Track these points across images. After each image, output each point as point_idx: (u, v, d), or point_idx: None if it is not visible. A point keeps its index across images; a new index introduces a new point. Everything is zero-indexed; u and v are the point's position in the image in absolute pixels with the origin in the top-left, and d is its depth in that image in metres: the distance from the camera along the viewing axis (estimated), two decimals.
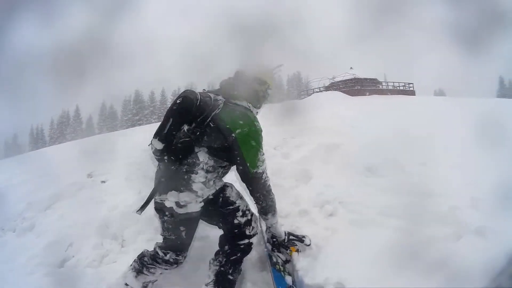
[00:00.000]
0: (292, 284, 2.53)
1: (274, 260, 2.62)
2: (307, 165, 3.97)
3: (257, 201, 2.37)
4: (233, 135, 2.19)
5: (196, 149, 2.23)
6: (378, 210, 3.19)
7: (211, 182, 2.28)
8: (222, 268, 2.33)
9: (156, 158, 2.23)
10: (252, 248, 2.46)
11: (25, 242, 3.56)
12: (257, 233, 2.49)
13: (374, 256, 2.56)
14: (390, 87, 28.38)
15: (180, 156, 2.18)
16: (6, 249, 3.48)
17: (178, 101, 2.19)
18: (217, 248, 2.46)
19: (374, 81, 28.51)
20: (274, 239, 2.66)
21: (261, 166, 2.28)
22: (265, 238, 2.70)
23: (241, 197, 2.48)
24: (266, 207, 2.38)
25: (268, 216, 2.43)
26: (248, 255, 2.51)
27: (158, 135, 2.15)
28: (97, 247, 3.25)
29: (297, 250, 2.65)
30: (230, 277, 2.35)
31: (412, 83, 29.22)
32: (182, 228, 2.32)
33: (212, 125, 2.24)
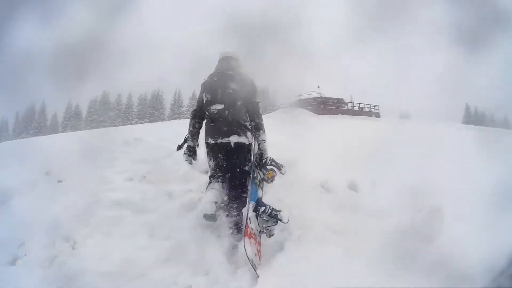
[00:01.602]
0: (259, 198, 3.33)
1: (255, 175, 3.45)
2: None
3: (252, 118, 3.41)
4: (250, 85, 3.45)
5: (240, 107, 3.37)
6: (327, 226, 3.35)
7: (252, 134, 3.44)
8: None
9: (218, 116, 3.32)
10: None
11: None
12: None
13: (320, 271, 2.70)
14: (356, 108, 29.13)
15: (233, 110, 3.32)
16: None
17: (216, 78, 3.47)
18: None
19: (340, 101, 29.15)
20: (259, 158, 3.46)
21: (258, 99, 3.46)
22: (253, 158, 3.48)
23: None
24: (259, 123, 3.40)
25: (260, 132, 3.40)
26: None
27: (214, 100, 3.36)
28: (49, 247, 3.22)
29: (273, 176, 3.54)
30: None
31: (378, 106, 30.09)
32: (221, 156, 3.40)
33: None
